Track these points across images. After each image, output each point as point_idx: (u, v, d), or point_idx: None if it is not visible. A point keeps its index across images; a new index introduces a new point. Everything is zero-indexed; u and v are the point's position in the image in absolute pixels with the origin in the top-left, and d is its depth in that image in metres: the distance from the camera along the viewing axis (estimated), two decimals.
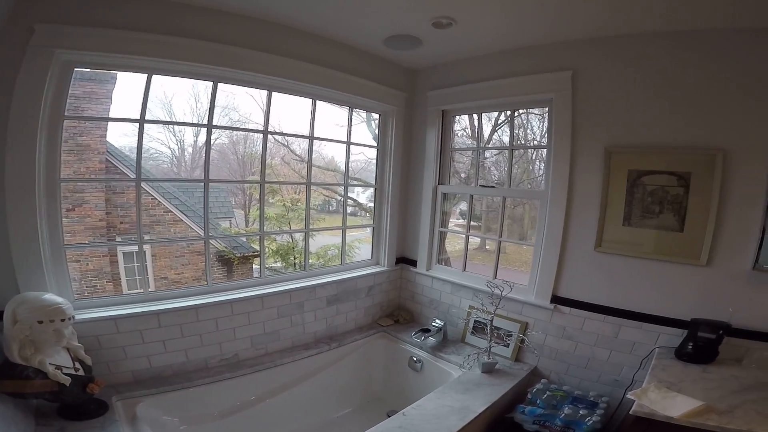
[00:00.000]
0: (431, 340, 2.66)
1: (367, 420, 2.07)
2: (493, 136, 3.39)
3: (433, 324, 2.73)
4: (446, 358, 2.52)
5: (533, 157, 3.41)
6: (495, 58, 2.47)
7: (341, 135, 2.92)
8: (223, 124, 8.77)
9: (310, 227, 2.73)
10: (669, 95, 1.96)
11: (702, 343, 1.86)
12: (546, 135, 2.45)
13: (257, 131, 3.58)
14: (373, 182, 3.03)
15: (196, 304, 2.10)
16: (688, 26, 1.87)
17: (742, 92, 1.80)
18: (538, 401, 2.11)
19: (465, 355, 2.45)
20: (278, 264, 5.42)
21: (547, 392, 2.14)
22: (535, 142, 3.17)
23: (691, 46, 1.90)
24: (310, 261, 4.57)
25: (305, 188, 2.69)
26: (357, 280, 2.83)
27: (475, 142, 2.84)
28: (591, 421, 1.92)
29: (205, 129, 2.24)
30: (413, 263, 3.05)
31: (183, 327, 2.08)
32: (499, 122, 3.29)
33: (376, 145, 2.98)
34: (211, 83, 2.15)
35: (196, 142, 8.68)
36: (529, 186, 2.96)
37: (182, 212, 6.24)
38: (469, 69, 2.61)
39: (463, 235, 2.84)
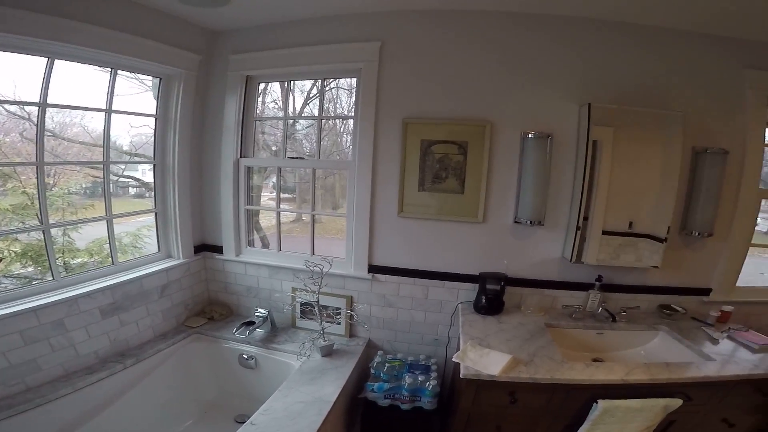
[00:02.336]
0: (258, 332, 2.42)
1: (213, 429, 1.94)
2: (305, 110, 3.23)
3: (257, 314, 2.47)
4: (281, 349, 2.33)
5: (341, 130, 3.44)
6: (308, 24, 2.26)
7: (120, 105, 2.19)
8: None
9: (69, 218, 1.98)
10: (453, 72, 2.13)
11: (491, 295, 2.17)
12: (354, 107, 2.40)
13: None
14: (152, 157, 2.42)
15: None
16: (471, 6, 2.04)
17: (505, 71, 2.10)
18: (381, 375, 2.15)
19: (300, 342, 2.31)
20: (30, 269, 3.98)
21: (386, 364, 2.19)
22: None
23: (471, 28, 2.08)
24: (80, 260, 3.53)
25: (63, 170, 1.90)
26: (142, 280, 2.26)
27: (281, 112, 2.57)
28: (431, 386, 2.06)
29: None
30: (219, 250, 2.65)
31: None
32: (311, 95, 3.15)
33: (154, 113, 2.36)
34: None
35: None
36: (338, 157, 2.91)
37: None
38: (279, 33, 2.31)
39: (292, 212, 2.58)
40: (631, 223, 2.10)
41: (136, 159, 2.50)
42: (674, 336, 1.99)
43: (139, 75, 2.34)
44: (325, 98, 2.62)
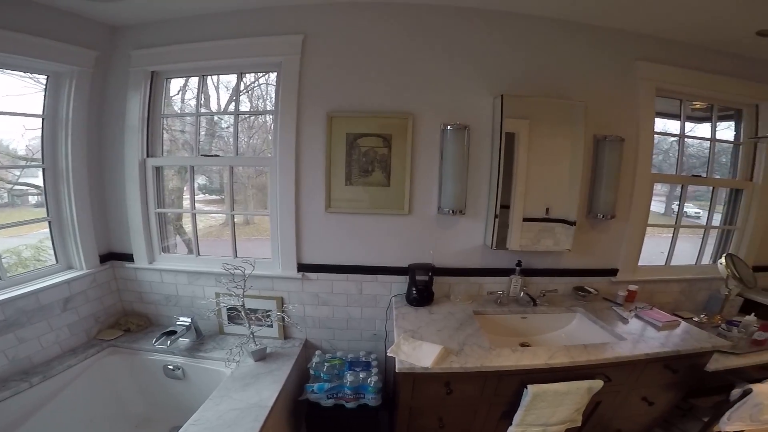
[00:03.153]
0: (183, 341, 2.27)
1: None
2: (231, 107, 3.04)
3: (179, 323, 2.30)
4: (209, 357, 2.19)
5: (271, 127, 3.28)
6: (224, 17, 2.12)
7: (12, 105, 1.90)
8: None
9: None
10: (376, 65, 2.11)
11: (421, 287, 2.18)
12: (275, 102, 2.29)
13: None
14: (41, 161, 2.14)
15: None
16: None
17: (426, 63, 2.11)
18: (322, 375, 2.09)
19: (228, 349, 2.19)
20: None
21: (326, 363, 2.13)
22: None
23: (393, 20, 2.08)
24: None
25: None
26: (38, 294, 2.01)
27: (204, 109, 2.39)
28: (373, 382, 2.02)
29: None
30: (129, 258, 2.42)
31: None
32: (240, 91, 2.97)
33: (41, 113, 2.08)
34: None
35: None
36: (270, 155, 2.79)
37: None
38: (190, 27, 2.16)
39: (209, 213, 2.41)
40: (548, 209, 2.20)
41: (21, 164, 2.18)
42: (590, 317, 2.09)
43: (34, 74, 2.07)
44: (254, 95, 2.50)
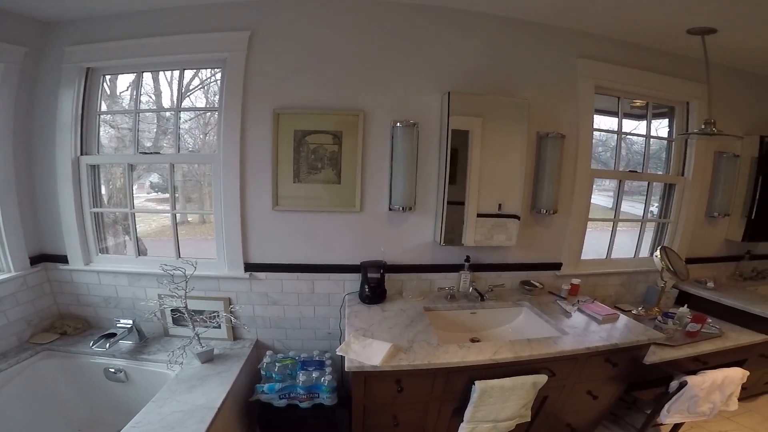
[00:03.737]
0: (125, 344, 2.19)
1: None
2: (185, 103, 2.93)
3: (119, 326, 2.20)
4: (153, 359, 2.12)
5: None
6: (166, 13, 2.05)
7: None
8: None
9: None
10: (327, 61, 2.09)
11: (373, 284, 2.17)
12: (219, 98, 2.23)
13: None
14: None
15: None
16: None
17: (377, 60, 2.11)
18: (273, 375, 2.06)
19: (170, 351, 2.11)
20: None
21: (277, 363, 2.09)
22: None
23: (344, 17, 2.06)
24: None
25: None
26: None
27: (155, 105, 2.30)
28: (327, 381, 2.00)
29: None
30: (63, 259, 2.28)
31: None
32: (191, 87, 2.88)
33: None
34: None
35: None
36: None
37: None
38: (129, 23, 2.07)
39: (149, 212, 2.30)
40: (500, 205, 2.24)
41: None
42: (535, 311, 2.14)
43: None
44: (212, 90, 2.41)
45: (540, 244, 2.47)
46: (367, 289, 2.18)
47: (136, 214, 2.35)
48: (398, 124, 2.11)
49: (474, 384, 1.62)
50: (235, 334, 2.35)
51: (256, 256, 2.25)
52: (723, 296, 2.53)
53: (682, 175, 2.71)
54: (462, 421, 1.70)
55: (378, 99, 2.14)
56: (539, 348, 1.70)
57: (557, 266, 2.52)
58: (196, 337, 2.09)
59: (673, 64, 2.47)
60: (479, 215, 2.21)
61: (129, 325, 2.21)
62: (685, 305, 2.36)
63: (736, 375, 2.01)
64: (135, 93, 2.27)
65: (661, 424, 2.07)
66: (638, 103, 2.65)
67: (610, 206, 3.28)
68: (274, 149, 2.12)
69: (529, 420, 1.77)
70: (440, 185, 2.19)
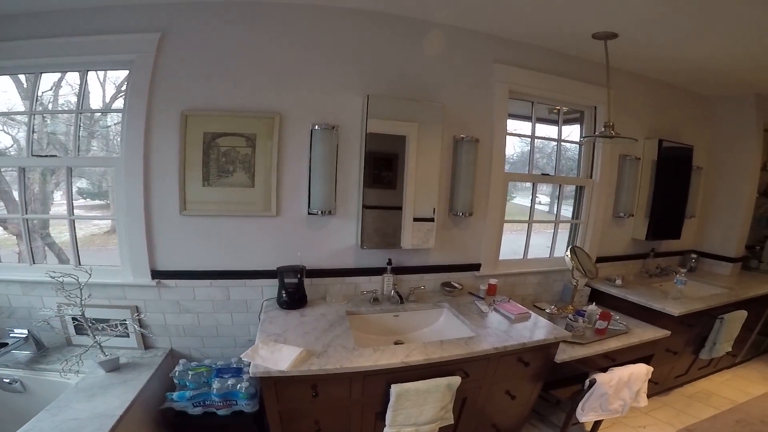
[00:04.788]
0: (21, 354, 2.07)
1: None
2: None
3: (12, 336, 2.06)
4: (52, 368, 2.01)
5: None
6: (70, 14, 1.93)
7: None
8: None
9: None
10: (241, 63, 2.02)
11: (291, 289, 2.11)
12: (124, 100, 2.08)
13: None
14: None
15: None
16: None
17: (295, 62, 2.07)
18: (187, 383, 1.97)
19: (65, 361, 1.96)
20: None
21: (190, 372, 2.00)
22: None
23: (261, 19, 2.01)
24: None
25: None
26: None
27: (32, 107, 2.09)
28: (243, 388, 1.94)
29: None
30: None
31: None
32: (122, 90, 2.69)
33: None
34: None
35: None
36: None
37: None
38: (28, 22, 1.93)
39: (44, 218, 2.09)
40: (434, 209, 2.29)
41: None
42: (454, 312, 2.17)
43: None
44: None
45: (459, 246, 2.53)
46: (284, 295, 2.12)
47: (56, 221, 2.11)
48: (317, 126, 2.08)
49: (391, 387, 1.60)
50: (147, 343, 2.21)
51: (165, 263, 2.12)
52: (629, 293, 2.71)
53: (591, 177, 2.90)
54: (385, 425, 1.68)
55: (296, 101, 2.10)
56: (450, 349, 1.71)
57: (476, 267, 2.59)
58: (98, 346, 1.94)
59: (582, 69, 2.64)
60: (415, 219, 2.25)
61: (24, 335, 2.06)
62: (593, 303, 2.48)
63: (641, 371, 2.11)
64: (37, 93, 2.08)
65: (579, 423, 2.13)
66: (557, 108, 2.81)
67: (547, 209, 3.46)
68: (182, 152, 2.01)
69: (453, 423, 1.78)
70: (360, 189, 2.18)
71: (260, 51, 2.04)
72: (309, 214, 2.18)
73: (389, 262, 2.31)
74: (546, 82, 2.54)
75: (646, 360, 2.31)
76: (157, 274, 2.12)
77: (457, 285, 2.44)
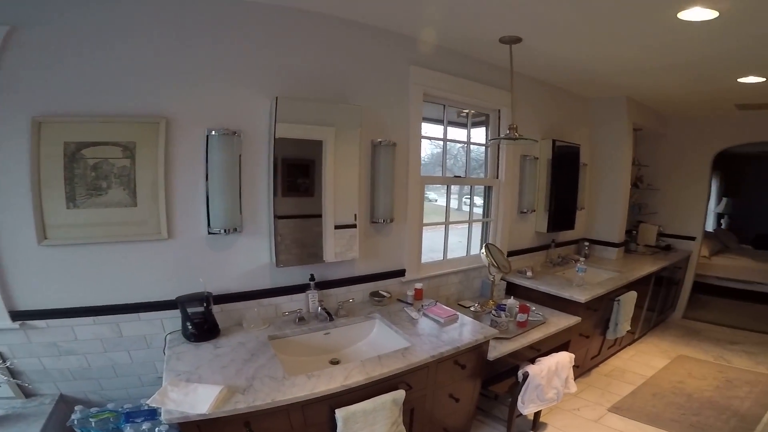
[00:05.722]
0: None
1: None
2: None
3: None
4: None
5: None
6: None
7: None
8: None
9: None
10: (117, 59, 1.67)
11: (198, 320, 1.82)
12: None
13: None
14: None
15: None
16: None
17: (185, 60, 1.79)
18: (92, 431, 1.62)
19: None
20: None
21: (92, 419, 1.66)
22: None
23: (140, 10, 1.69)
24: None
25: None
26: None
27: None
28: (164, 431, 1.63)
29: None
30: None
31: None
32: None
33: None
34: None
35: None
36: None
37: None
38: None
39: None
40: (356, 215, 2.18)
41: None
42: (386, 323, 2.10)
43: None
44: None
45: (383, 254, 2.45)
46: (190, 326, 1.81)
47: None
48: (214, 132, 1.81)
49: (335, 412, 1.48)
50: (27, 391, 1.74)
51: (27, 301, 1.66)
52: (540, 284, 2.89)
53: (497, 177, 3.04)
54: None
55: (188, 103, 1.81)
56: (390, 364, 1.65)
57: (401, 273, 2.53)
58: None
59: (489, 73, 2.75)
60: (337, 227, 2.12)
61: None
62: (512, 297, 2.58)
63: (565, 359, 2.26)
64: None
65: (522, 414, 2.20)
66: (466, 111, 2.89)
67: (463, 208, 3.56)
68: (35, 168, 1.59)
69: None
70: (270, 200, 1.97)
71: (141, 45, 1.71)
72: (210, 234, 1.89)
73: (312, 278, 2.12)
74: (458, 85, 2.60)
75: (564, 347, 2.48)
76: (18, 315, 1.66)
77: (385, 293, 2.35)
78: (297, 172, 2.01)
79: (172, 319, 1.89)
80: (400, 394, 1.62)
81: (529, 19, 2.04)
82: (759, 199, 6.81)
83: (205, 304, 1.84)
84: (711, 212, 5.19)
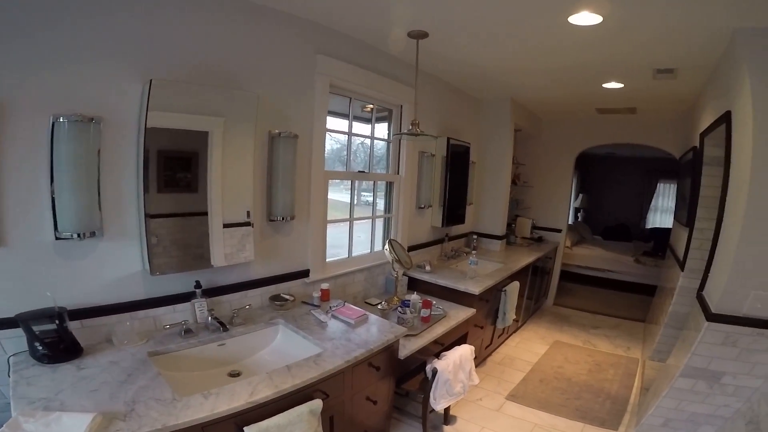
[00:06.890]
0: None
1: None
2: None
3: None
4: None
5: None
6: None
7: None
8: None
9: None
10: None
11: (49, 339, 1.47)
12: None
13: None
14: None
15: None
16: None
17: (31, 27, 1.39)
18: None
19: None
20: None
21: None
22: None
23: None
24: None
25: None
26: None
27: None
28: None
29: None
30: None
31: None
32: None
33: None
34: None
35: None
36: None
37: None
38: None
39: None
40: (249, 213, 1.98)
41: None
42: (291, 328, 1.97)
43: None
44: None
45: (284, 254, 2.28)
46: (40, 347, 1.46)
47: None
48: (62, 119, 1.44)
49: (244, 430, 1.34)
50: None
51: None
52: (438, 278, 3.00)
53: (398, 173, 3.09)
54: None
55: (26, 83, 1.41)
56: (301, 374, 1.54)
57: (305, 273, 2.40)
58: None
59: (395, 67, 2.75)
60: (225, 225, 1.92)
61: None
62: (414, 292, 2.61)
63: (467, 351, 2.35)
64: None
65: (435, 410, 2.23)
66: (369, 107, 2.84)
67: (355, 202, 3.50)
68: None
69: None
70: (140, 199, 1.67)
71: None
72: (58, 239, 1.52)
73: (198, 284, 1.87)
74: (365, 78, 2.55)
75: (463, 339, 2.61)
76: None
77: (288, 296, 2.20)
78: (176, 166, 1.75)
79: (15, 339, 1.50)
80: (317, 404, 1.53)
81: (435, 15, 2.04)
82: (605, 196, 8.26)
83: (57, 321, 1.49)
84: (571, 207, 6.04)
